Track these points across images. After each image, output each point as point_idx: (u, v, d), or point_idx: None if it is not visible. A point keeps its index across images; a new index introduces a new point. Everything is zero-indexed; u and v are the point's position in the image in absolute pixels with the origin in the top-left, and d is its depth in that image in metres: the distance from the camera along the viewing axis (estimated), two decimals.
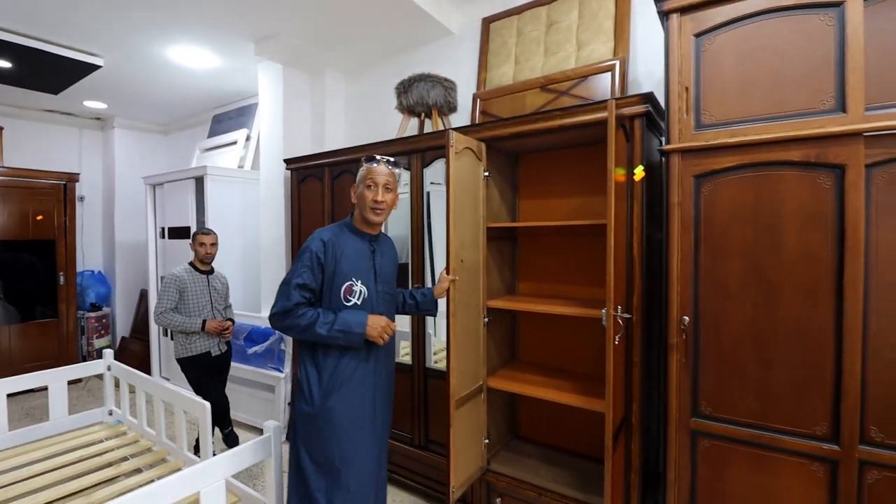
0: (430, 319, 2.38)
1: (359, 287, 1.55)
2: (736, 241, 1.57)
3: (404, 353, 2.56)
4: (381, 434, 1.63)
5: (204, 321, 2.57)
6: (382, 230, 1.78)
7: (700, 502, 1.67)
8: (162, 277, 3.55)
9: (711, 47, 1.58)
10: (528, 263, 2.47)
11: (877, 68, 1.37)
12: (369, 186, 1.57)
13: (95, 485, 2.02)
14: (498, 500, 2.11)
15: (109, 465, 2.20)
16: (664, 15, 1.64)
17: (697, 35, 1.60)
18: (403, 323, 2.55)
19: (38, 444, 2.37)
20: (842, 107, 1.40)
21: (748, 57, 1.53)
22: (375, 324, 1.51)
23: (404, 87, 2.49)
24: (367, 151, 2.53)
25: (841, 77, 1.40)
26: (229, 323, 2.72)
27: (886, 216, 1.37)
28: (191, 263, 2.68)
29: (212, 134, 4.54)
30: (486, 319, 2.17)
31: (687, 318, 1.65)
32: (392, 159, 1.65)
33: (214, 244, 2.70)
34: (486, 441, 2.18)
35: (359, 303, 1.55)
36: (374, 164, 1.60)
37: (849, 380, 1.42)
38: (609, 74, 2.17)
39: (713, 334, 1.62)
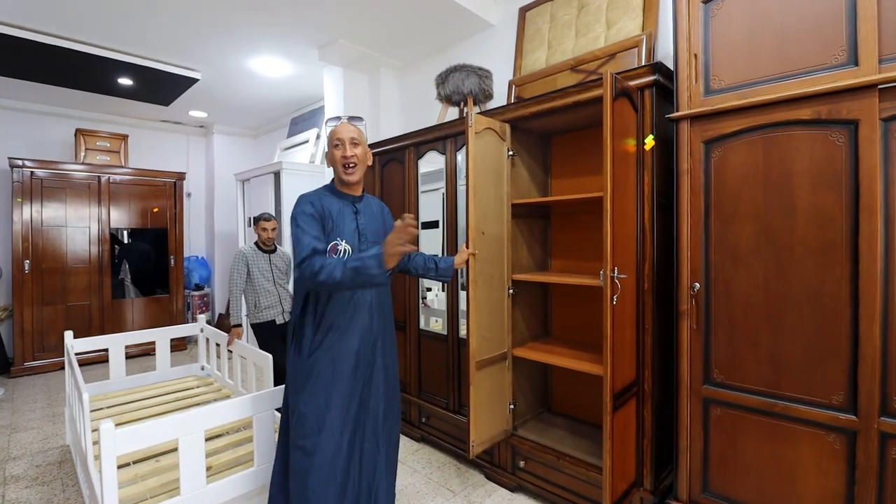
0: (463, 296, 2.54)
1: (343, 246, 1.57)
2: (746, 205, 1.54)
3: (438, 325, 2.75)
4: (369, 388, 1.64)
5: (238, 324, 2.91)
6: (367, 191, 1.76)
7: (713, 470, 1.66)
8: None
9: (720, 12, 1.58)
10: (561, 241, 2.53)
11: (892, 17, 1.30)
12: (336, 146, 1.59)
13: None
14: (522, 462, 2.22)
15: (196, 405, 2.66)
16: None
17: (706, 1, 1.60)
18: (440, 301, 2.76)
19: (145, 388, 2.92)
20: (854, 60, 1.34)
21: (757, 17, 1.50)
22: (390, 241, 1.33)
23: (442, 79, 2.67)
24: (408, 140, 2.76)
25: (853, 28, 1.34)
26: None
27: None
28: (255, 243, 3.08)
29: (290, 135, 5.09)
30: (511, 291, 2.28)
31: (698, 284, 1.65)
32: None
33: (275, 229, 3.06)
34: (512, 407, 2.30)
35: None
36: (336, 124, 1.61)
37: (866, 346, 1.36)
38: (635, 50, 2.18)
39: (724, 300, 1.61)
